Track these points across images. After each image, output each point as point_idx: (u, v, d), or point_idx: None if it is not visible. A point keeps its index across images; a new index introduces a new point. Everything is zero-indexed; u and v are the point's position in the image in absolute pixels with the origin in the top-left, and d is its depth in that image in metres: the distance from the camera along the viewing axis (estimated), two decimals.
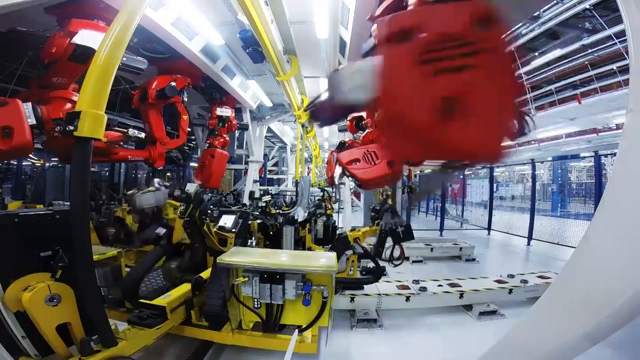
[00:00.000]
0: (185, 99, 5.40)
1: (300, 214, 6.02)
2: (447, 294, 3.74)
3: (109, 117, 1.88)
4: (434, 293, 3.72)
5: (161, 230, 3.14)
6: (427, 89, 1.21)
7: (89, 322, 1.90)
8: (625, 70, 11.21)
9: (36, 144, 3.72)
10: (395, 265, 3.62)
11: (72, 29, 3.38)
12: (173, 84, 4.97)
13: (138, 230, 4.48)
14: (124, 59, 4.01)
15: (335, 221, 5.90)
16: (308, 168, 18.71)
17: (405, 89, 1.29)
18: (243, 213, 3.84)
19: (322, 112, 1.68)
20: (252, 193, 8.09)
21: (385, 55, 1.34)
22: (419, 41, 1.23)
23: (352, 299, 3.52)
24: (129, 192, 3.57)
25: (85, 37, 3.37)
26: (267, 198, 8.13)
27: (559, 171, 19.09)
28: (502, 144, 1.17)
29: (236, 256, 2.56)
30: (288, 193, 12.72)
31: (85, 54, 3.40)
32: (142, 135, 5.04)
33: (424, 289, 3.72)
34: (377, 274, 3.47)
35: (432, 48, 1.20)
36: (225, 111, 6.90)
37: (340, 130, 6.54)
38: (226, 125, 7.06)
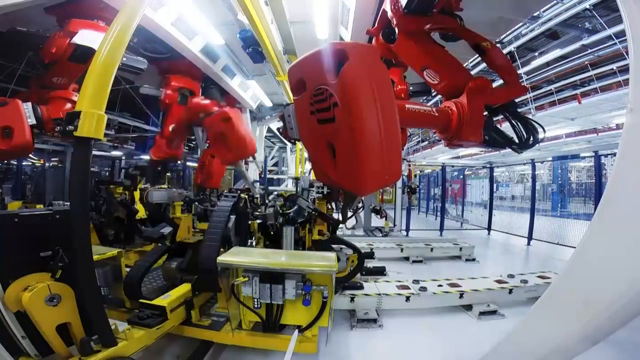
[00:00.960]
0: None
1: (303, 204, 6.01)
2: (447, 294, 3.74)
3: (109, 117, 1.88)
4: (434, 293, 3.72)
5: (167, 229, 3.16)
6: (317, 135, 1.46)
7: (89, 322, 1.90)
8: (625, 70, 11.21)
9: (36, 144, 3.73)
10: (355, 212, 3.71)
11: (72, 29, 3.38)
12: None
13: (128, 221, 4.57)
14: (124, 59, 4.03)
15: None
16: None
17: (306, 133, 1.58)
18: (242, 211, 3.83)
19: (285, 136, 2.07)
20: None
21: (294, 103, 1.58)
22: (308, 92, 1.43)
23: (352, 299, 3.52)
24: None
25: (85, 37, 3.37)
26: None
27: (559, 171, 19.08)
28: (362, 181, 1.35)
29: (236, 256, 2.56)
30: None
31: (85, 54, 3.41)
32: None
33: (424, 289, 3.72)
34: (363, 266, 3.51)
35: (312, 100, 1.41)
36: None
37: None
38: None
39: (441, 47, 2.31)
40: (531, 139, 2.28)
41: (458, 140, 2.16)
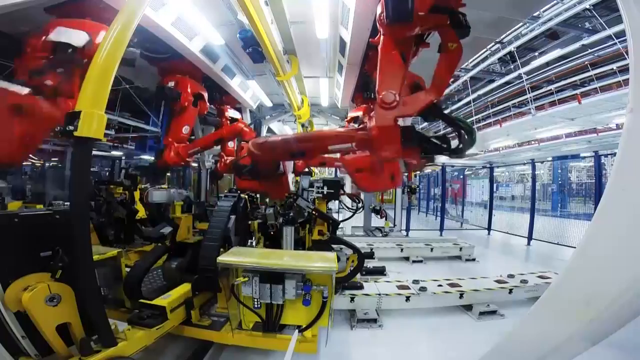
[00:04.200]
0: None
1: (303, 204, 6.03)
2: (447, 294, 3.74)
3: (109, 117, 1.88)
4: (434, 293, 3.72)
5: (167, 229, 3.16)
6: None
7: (89, 322, 1.90)
8: (625, 70, 11.21)
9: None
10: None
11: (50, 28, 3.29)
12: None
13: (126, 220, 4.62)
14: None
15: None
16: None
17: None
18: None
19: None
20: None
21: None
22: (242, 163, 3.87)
23: (352, 299, 3.52)
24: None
25: (61, 34, 3.27)
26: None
27: (559, 171, 19.08)
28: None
29: (236, 256, 2.56)
30: None
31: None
32: None
33: (424, 289, 3.72)
34: (361, 265, 3.56)
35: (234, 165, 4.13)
36: (235, 113, 6.99)
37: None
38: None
39: (398, 61, 2.35)
40: (462, 140, 2.27)
41: (379, 157, 2.40)
